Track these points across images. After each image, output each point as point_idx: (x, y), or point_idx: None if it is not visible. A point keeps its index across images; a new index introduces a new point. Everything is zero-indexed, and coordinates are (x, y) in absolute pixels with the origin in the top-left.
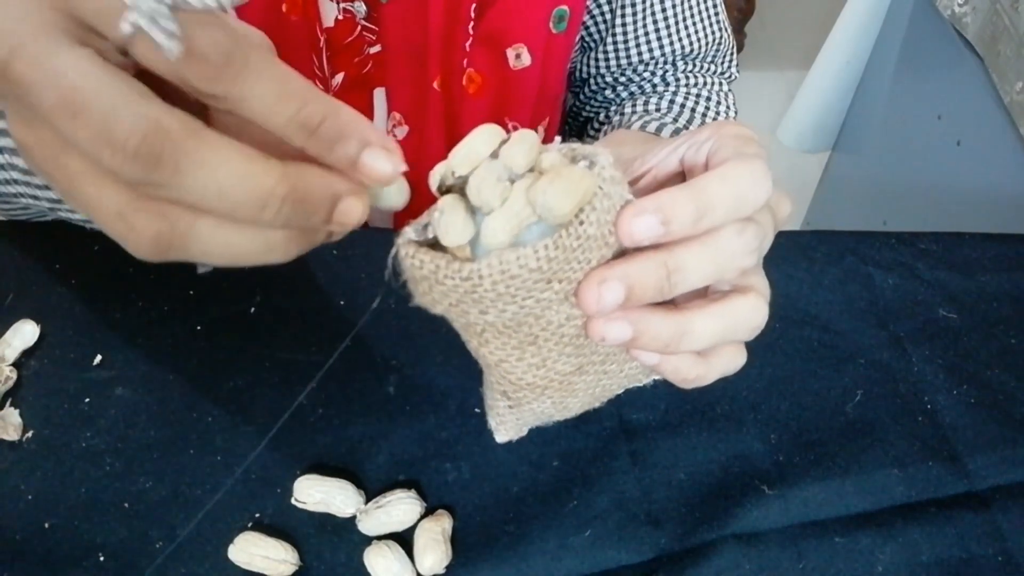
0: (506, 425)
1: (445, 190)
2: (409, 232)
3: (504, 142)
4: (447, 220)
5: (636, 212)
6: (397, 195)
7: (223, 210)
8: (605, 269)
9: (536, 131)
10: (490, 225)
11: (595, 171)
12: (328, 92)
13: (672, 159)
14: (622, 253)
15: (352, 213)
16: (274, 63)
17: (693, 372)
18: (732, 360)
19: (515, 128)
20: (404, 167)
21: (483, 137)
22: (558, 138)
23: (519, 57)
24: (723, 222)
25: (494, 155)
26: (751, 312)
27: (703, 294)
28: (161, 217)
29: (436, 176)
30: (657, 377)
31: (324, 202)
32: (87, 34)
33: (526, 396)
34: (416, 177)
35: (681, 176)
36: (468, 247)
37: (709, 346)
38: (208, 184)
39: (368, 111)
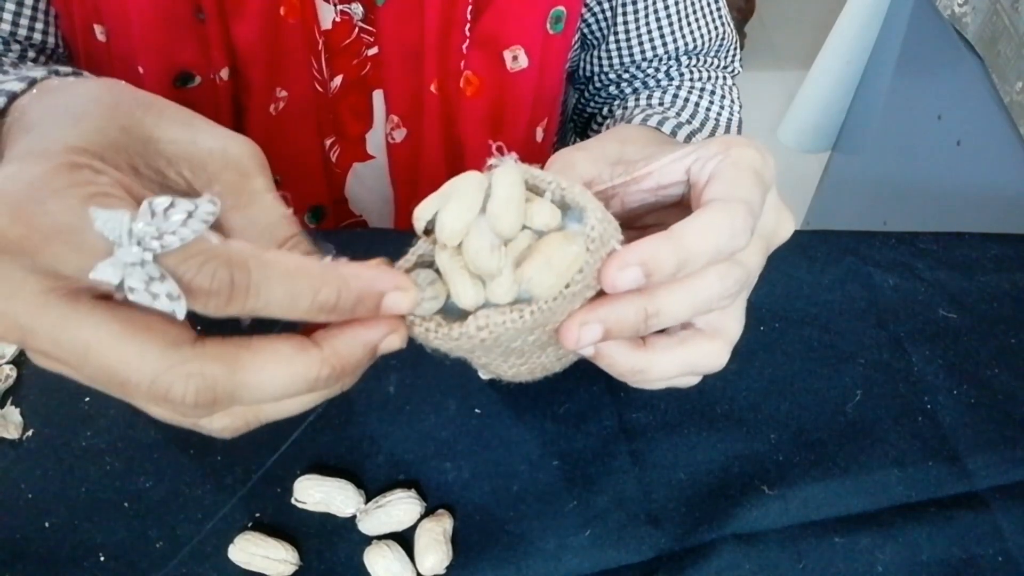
0: (488, 373)
1: (429, 232)
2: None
3: (487, 190)
4: (457, 289)
5: (620, 265)
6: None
7: (278, 402)
8: (587, 312)
9: (535, 132)
10: (495, 292)
11: (585, 230)
12: (327, 94)
13: (678, 167)
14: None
15: (392, 345)
16: (275, 262)
17: (628, 365)
18: (683, 380)
19: (498, 151)
20: (419, 296)
21: (467, 201)
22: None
23: (516, 59)
24: (702, 267)
25: (483, 208)
26: (712, 357)
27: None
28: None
29: (420, 222)
30: None
31: (365, 356)
32: (78, 286)
33: (498, 369)
34: (415, 180)
35: (685, 185)
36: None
37: (662, 385)
38: (262, 397)
39: (367, 113)
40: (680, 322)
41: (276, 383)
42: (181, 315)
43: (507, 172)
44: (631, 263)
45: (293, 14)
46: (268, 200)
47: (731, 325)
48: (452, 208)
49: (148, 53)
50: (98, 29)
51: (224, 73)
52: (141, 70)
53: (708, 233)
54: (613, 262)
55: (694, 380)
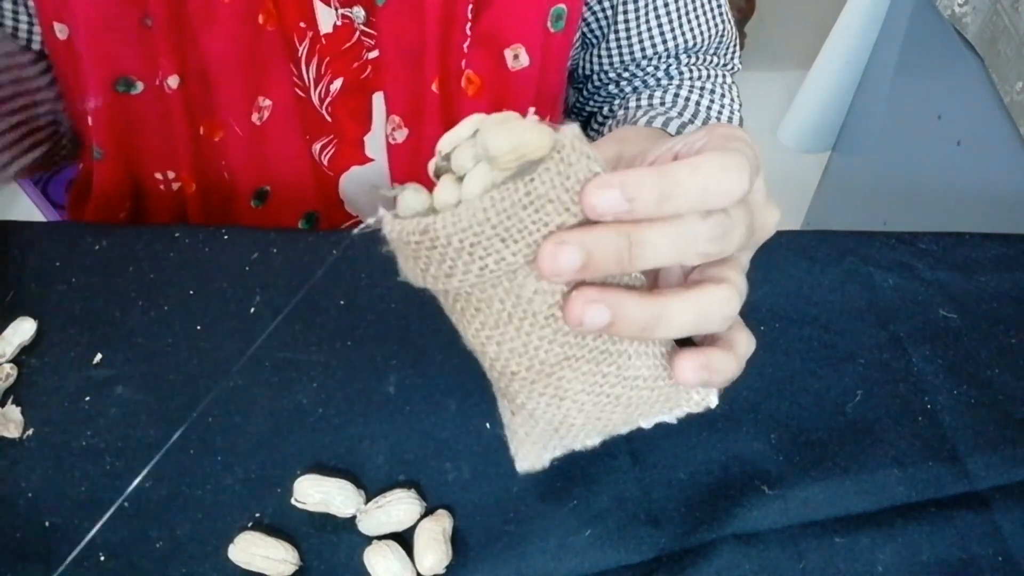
0: (523, 448)
1: (438, 175)
2: (396, 209)
3: None
4: (437, 189)
5: (600, 184)
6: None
7: None
8: (564, 232)
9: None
10: (465, 183)
11: (556, 135)
12: (325, 99)
13: (666, 157)
14: (586, 223)
15: None
16: None
17: (732, 369)
18: (748, 345)
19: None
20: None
21: (467, 122)
22: (531, 109)
23: (517, 58)
24: (688, 210)
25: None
26: (723, 302)
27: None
28: None
29: (431, 163)
30: (691, 410)
31: None
32: None
33: (517, 391)
34: (417, 180)
35: None
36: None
37: (683, 333)
38: None
39: (367, 116)
40: (664, 262)
41: None
42: None
43: (506, 112)
44: (612, 184)
45: (271, 22)
46: None
47: (734, 276)
48: (454, 128)
49: (90, 54)
50: (58, 27)
51: (172, 81)
52: (86, 70)
53: (697, 168)
54: (593, 182)
55: (752, 342)
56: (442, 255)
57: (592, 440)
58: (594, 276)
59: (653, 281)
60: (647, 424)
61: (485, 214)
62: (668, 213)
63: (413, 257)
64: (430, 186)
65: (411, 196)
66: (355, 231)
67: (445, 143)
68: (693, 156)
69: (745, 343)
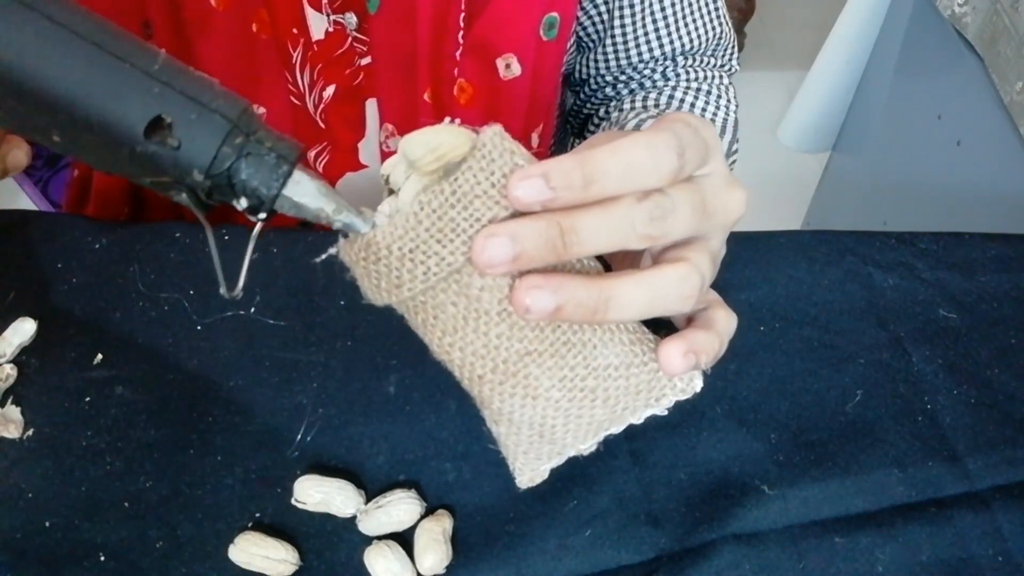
0: (519, 462)
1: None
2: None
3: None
4: (380, 207)
5: (523, 175)
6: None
7: None
8: (495, 225)
9: (530, 138)
10: (400, 197)
11: (475, 136)
12: (319, 105)
13: None
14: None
15: None
16: None
17: (715, 347)
18: (728, 323)
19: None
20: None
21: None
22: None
23: (509, 67)
24: (617, 191)
25: None
26: (679, 281)
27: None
28: None
29: (384, 191)
30: (680, 397)
31: None
32: None
33: (489, 396)
34: None
35: None
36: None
37: (638, 315)
38: None
39: (360, 123)
40: (604, 248)
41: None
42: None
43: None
44: (533, 173)
45: (265, 30)
46: None
47: (694, 256)
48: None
49: None
50: None
51: None
52: None
53: (617, 148)
54: (515, 174)
55: (733, 320)
56: (387, 266)
57: (584, 444)
58: (532, 266)
59: (629, 262)
60: (637, 419)
61: (417, 218)
62: (595, 196)
63: (365, 275)
64: None
65: (357, 221)
66: (317, 261)
67: (385, 167)
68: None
69: (725, 320)
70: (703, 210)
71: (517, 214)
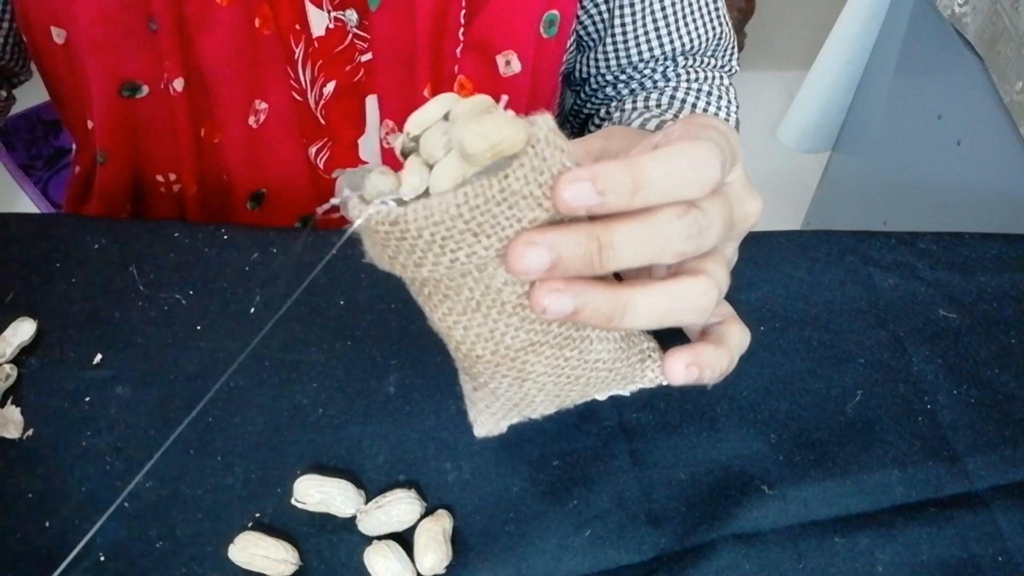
0: (481, 416)
1: (406, 155)
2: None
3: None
4: (405, 172)
5: (572, 178)
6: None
7: None
8: (535, 232)
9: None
10: (435, 173)
11: (531, 129)
12: (319, 101)
13: (646, 151)
14: (558, 219)
15: None
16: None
17: (724, 363)
18: (741, 338)
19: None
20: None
21: (437, 101)
22: (504, 98)
23: (509, 64)
24: (660, 200)
25: (447, 117)
26: (698, 294)
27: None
28: None
29: (397, 143)
30: (644, 385)
31: None
32: None
33: (481, 372)
34: None
35: None
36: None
37: (651, 325)
38: None
39: (360, 119)
40: (638, 263)
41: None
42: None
43: (479, 95)
44: (583, 177)
45: (268, 25)
46: None
47: (713, 268)
48: (423, 107)
49: (95, 60)
50: (55, 31)
51: (178, 84)
52: (90, 76)
53: (666, 158)
54: (564, 175)
55: (746, 336)
56: (412, 246)
57: (548, 411)
58: (564, 276)
59: (645, 269)
60: (601, 396)
61: (458, 210)
62: (640, 205)
63: (381, 244)
64: (398, 167)
65: (378, 179)
66: (318, 209)
67: (414, 124)
68: (663, 147)
69: (738, 336)
70: (731, 223)
71: (556, 215)
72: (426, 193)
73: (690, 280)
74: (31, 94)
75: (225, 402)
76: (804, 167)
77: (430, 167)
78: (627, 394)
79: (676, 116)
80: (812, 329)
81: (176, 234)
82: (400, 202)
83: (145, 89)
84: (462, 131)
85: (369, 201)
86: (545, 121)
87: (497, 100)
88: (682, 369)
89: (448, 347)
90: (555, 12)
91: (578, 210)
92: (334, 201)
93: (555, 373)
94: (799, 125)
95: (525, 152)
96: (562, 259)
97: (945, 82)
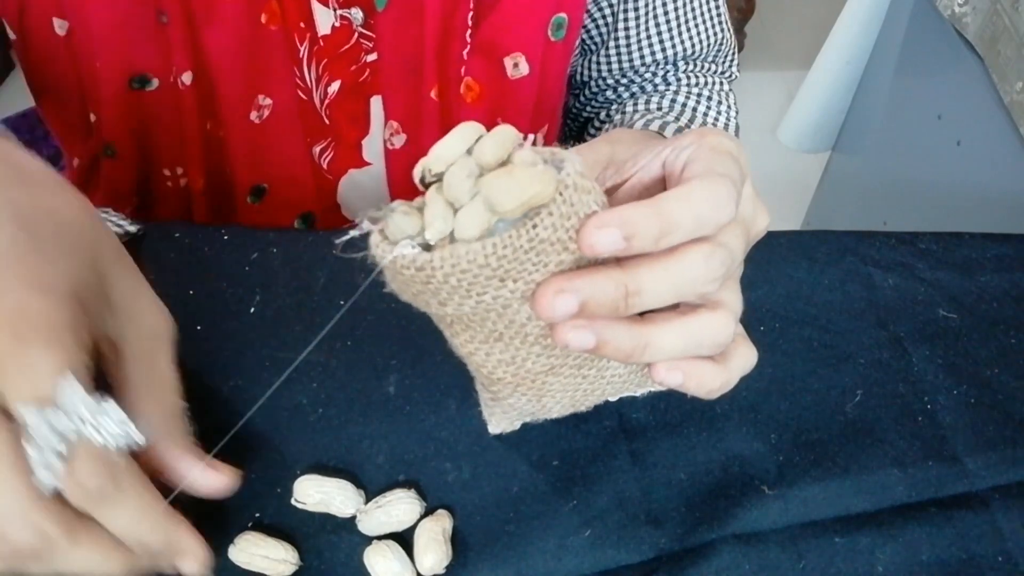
0: (496, 417)
1: (426, 185)
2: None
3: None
4: (429, 215)
5: (599, 224)
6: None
7: None
8: (564, 280)
9: (535, 137)
10: (460, 220)
11: (559, 175)
12: (324, 100)
13: (656, 163)
14: (584, 259)
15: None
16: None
17: (717, 382)
18: (746, 359)
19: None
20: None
21: (460, 134)
22: (530, 137)
23: (517, 66)
24: (684, 240)
25: (471, 151)
26: (718, 329)
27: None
28: None
29: (417, 171)
30: (654, 389)
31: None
32: None
33: (500, 391)
34: (413, 186)
35: (663, 180)
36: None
37: (671, 358)
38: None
39: (365, 119)
40: (663, 304)
41: (93, 561)
42: (46, 489)
43: (503, 126)
44: (610, 223)
45: (275, 21)
46: (169, 384)
47: (730, 299)
48: (445, 140)
49: (105, 53)
50: (57, 23)
51: (186, 77)
52: (99, 68)
53: (690, 201)
54: (591, 221)
55: (753, 356)
56: (437, 289)
57: (563, 415)
58: (590, 318)
59: None
60: (613, 398)
61: (485, 259)
62: (664, 247)
63: (405, 285)
64: (398, 167)
65: (402, 219)
66: (337, 241)
67: (436, 160)
68: (681, 185)
69: (743, 357)
70: (747, 244)
71: (582, 257)
72: (450, 235)
73: (708, 316)
74: (31, 94)
75: (225, 402)
76: (804, 167)
77: (453, 207)
78: (639, 395)
79: (677, 119)
80: (812, 329)
81: (176, 234)
82: (426, 245)
83: (155, 82)
84: (491, 188)
85: (393, 241)
86: (573, 164)
87: (534, 136)
88: (664, 369)
89: (468, 366)
90: (563, 15)
91: (604, 255)
92: (353, 233)
93: (573, 388)
94: (799, 125)
95: (553, 200)
96: (588, 305)
97: (945, 82)
